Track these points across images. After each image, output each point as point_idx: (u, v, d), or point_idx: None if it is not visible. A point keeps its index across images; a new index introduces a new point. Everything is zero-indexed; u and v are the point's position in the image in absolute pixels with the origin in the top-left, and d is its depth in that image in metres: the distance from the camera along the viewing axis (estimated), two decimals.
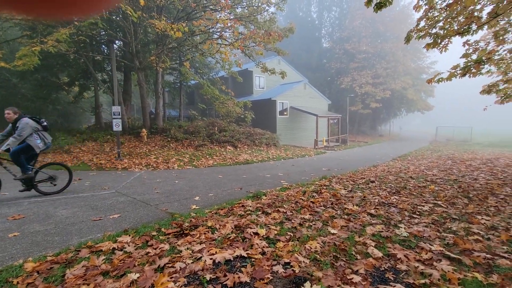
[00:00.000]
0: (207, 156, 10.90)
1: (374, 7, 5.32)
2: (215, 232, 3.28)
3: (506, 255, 2.77)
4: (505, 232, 3.34)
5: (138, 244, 3.00)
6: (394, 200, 4.84)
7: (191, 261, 2.57)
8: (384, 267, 2.53)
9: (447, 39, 5.95)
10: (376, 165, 10.55)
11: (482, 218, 3.85)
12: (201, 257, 2.64)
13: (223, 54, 10.31)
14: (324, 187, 5.88)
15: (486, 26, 5.86)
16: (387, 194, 5.33)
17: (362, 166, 10.19)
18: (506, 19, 6.05)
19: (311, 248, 2.86)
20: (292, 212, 4.10)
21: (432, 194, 5.29)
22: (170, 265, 2.50)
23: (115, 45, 14.94)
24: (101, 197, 5.15)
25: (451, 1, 5.38)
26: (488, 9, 5.56)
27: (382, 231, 3.34)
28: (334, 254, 2.74)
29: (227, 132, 13.73)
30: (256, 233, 3.22)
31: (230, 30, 10.91)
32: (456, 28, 5.72)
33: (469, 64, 6.42)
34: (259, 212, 4.06)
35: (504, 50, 6.55)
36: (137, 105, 24.91)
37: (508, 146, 21.51)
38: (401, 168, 9.37)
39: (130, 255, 2.71)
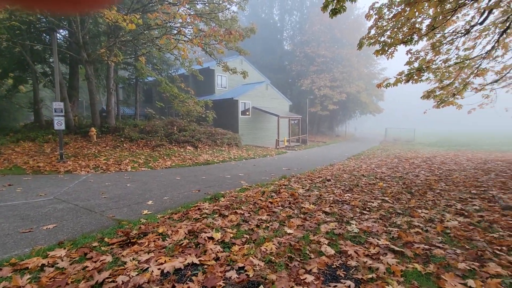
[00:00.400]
0: (165, 157, 10.37)
1: (330, 13, 5.53)
2: (167, 239, 3.07)
3: (440, 245, 3.04)
4: (440, 224, 3.69)
5: (74, 258, 2.65)
6: (347, 197, 5.07)
7: (136, 273, 2.34)
8: (336, 265, 2.59)
9: (393, 47, 6.46)
10: (332, 164, 11.07)
11: (422, 212, 4.22)
12: (148, 267, 2.43)
13: (181, 50, 9.89)
14: (283, 187, 5.95)
15: (425, 38, 6.49)
16: (341, 192, 5.58)
17: (320, 165, 10.61)
18: (442, 33, 6.78)
19: (267, 250, 2.81)
20: (250, 213, 4.04)
21: (381, 191, 5.67)
22: (110, 279, 2.25)
23: (59, 35, 13.46)
24: (35, 205, 4.52)
25: (396, 12, 5.83)
26: (427, 22, 6.16)
27: (335, 229, 3.45)
28: (289, 254, 2.73)
29: (187, 131, 13.23)
30: (211, 238, 3.08)
31: (190, 26, 10.51)
32: (401, 37, 6.23)
33: (411, 71, 7.06)
34: (216, 215, 3.92)
35: (440, 60, 7.33)
36: (86, 101, 22.80)
37: (444, 146, 24.39)
38: (354, 166, 9.97)
39: (63, 272, 2.38)
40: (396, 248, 2.89)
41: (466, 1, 5.45)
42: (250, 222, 3.63)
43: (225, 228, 3.39)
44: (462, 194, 5.39)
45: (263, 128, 21.38)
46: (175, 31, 10.32)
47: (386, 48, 6.44)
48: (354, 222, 3.70)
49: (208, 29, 10.38)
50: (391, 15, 6.29)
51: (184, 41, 10.17)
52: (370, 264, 2.57)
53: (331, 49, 32.20)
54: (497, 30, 6.73)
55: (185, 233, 3.19)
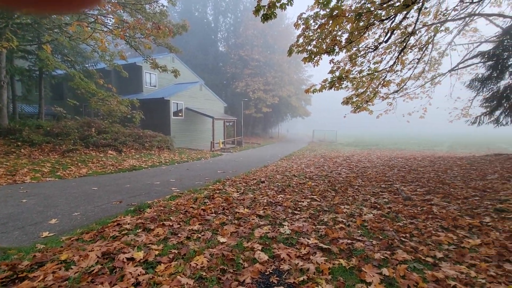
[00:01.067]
0: (79, 164, 8.88)
1: (261, 17, 5.61)
2: (72, 267, 2.51)
3: (360, 238, 3.33)
4: (359, 218, 4.08)
5: None
6: (280, 198, 5.20)
7: None
8: (269, 271, 2.54)
9: (318, 56, 6.99)
10: (266, 165, 11.39)
11: (344, 207, 4.61)
12: None
13: (98, 41, 8.61)
14: (217, 192, 5.74)
15: (344, 50, 7.23)
16: (275, 193, 5.70)
17: (255, 166, 10.78)
18: (357, 47, 7.68)
19: (197, 264, 2.58)
20: (180, 224, 3.70)
21: (310, 190, 6.03)
22: None
23: None
24: None
25: (321, 24, 6.31)
26: (346, 36, 6.87)
27: (269, 232, 3.44)
28: (221, 267, 2.55)
29: (108, 134, 11.67)
30: (131, 258, 2.66)
31: (110, 15, 9.27)
32: (324, 47, 6.78)
33: (334, 79, 7.78)
34: (139, 230, 3.45)
35: (356, 71, 8.30)
36: None
37: (359, 146, 28.12)
38: (286, 167, 10.46)
39: None
40: (324, 246, 3.02)
41: (375, 21, 6.28)
42: (179, 235, 3.31)
43: (149, 245, 2.99)
44: (375, 188, 6.17)
45: (197, 130, 20.68)
46: (92, 19, 8.94)
47: (313, 56, 6.92)
48: (287, 224, 3.77)
49: (133, 20, 9.36)
50: (316, 26, 6.79)
51: (103, 31, 8.91)
52: (301, 265, 2.61)
53: (264, 54, 33.50)
54: (397, 49, 8.01)
55: (98, 257, 2.68)
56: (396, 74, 9.11)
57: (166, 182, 7.21)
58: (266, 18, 5.61)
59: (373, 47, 7.43)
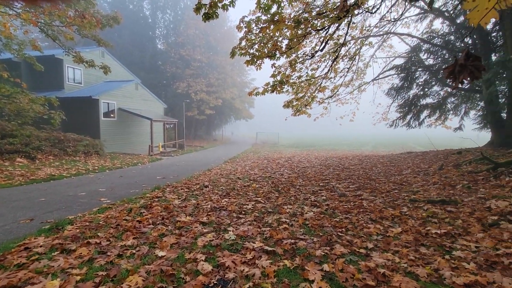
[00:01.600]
0: None
1: (202, 16, 5.42)
2: None
3: (302, 236, 3.44)
4: (301, 216, 4.24)
5: None
6: (225, 203, 5.07)
7: None
8: (213, 282, 2.39)
9: (261, 60, 7.11)
10: (210, 168, 11.09)
11: (287, 207, 4.74)
12: None
13: (0, 25, 7.04)
14: (156, 200, 5.28)
15: (285, 55, 7.54)
16: (219, 197, 5.54)
17: (198, 170, 10.38)
18: (296, 53, 8.09)
19: (131, 286, 2.26)
20: (109, 240, 3.24)
21: (254, 192, 6.05)
22: None
23: None
24: None
25: (262, 27, 6.44)
26: (286, 42, 7.16)
27: (213, 240, 3.27)
28: (160, 285, 2.30)
29: (17, 138, 9.68)
30: None
31: None
32: (266, 51, 6.94)
33: (275, 83, 8.04)
34: (56, 253, 2.88)
35: (295, 76, 8.74)
36: None
37: (299, 147, 29.90)
38: (231, 170, 10.37)
39: None
40: (269, 248, 3.01)
41: (312, 31, 6.71)
42: (109, 253, 2.88)
43: (69, 270, 2.51)
44: (314, 187, 6.55)
45: (133, 133, 18.99)
46: None
47: (255, 60, 7.01)
48: (232, 229, 3.66)
49: (49, 5, 7.96)
50: (258, 30, 6.91)
51: (7, 13, 7.33)
52: (247, 272, 2.53)
53: (206, 55, 32.86)
54: (331, 58, 8.74)
55: None
56: (330, 81, 9.93)
57: (93, 192, 6.32)
58: (207, 17, 5.44)
59: (310, 54, 7.93)
